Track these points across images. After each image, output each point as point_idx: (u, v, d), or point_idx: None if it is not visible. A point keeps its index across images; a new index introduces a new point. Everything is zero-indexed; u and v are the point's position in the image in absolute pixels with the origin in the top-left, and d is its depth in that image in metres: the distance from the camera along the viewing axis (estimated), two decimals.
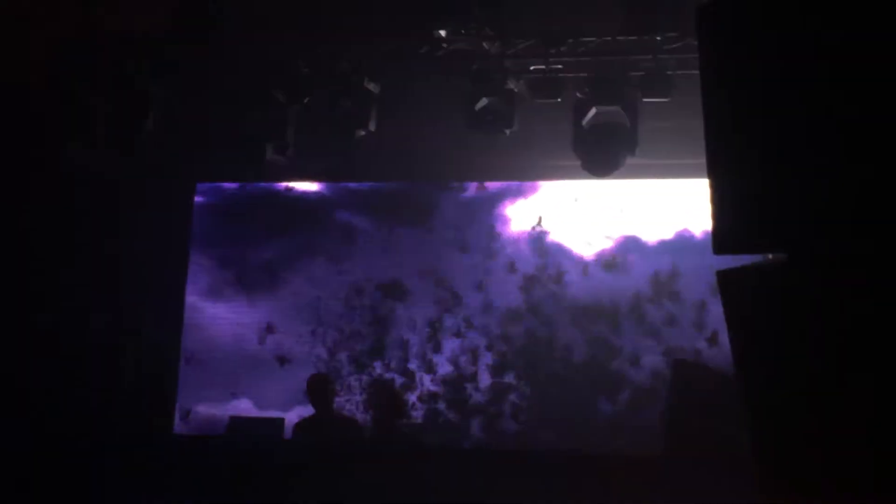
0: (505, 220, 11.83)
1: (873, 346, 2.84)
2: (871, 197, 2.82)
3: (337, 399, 10.65)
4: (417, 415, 11.39)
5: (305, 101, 10.69)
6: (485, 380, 11.48)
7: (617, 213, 11.53)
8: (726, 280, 3.14)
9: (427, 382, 11.57)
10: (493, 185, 11.91)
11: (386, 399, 9.16)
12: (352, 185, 12.29)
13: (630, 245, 11.49)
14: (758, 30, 3.09)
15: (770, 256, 3.13)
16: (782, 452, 3.04)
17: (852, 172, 2.86)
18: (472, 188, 11.97)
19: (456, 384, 11.51)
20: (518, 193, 11.87)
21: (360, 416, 10.89)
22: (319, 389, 9.36)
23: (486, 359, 11.56)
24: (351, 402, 11.48)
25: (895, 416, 2.75)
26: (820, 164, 2.93)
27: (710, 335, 10.94)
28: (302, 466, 8.21)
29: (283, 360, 11.86)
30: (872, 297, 2.85)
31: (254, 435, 9.23)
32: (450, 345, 11.66)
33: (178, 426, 11.64)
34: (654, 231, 11.43)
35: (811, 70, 2.94)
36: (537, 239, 11.70)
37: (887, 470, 2.77)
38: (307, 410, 9.80)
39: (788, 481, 3.01)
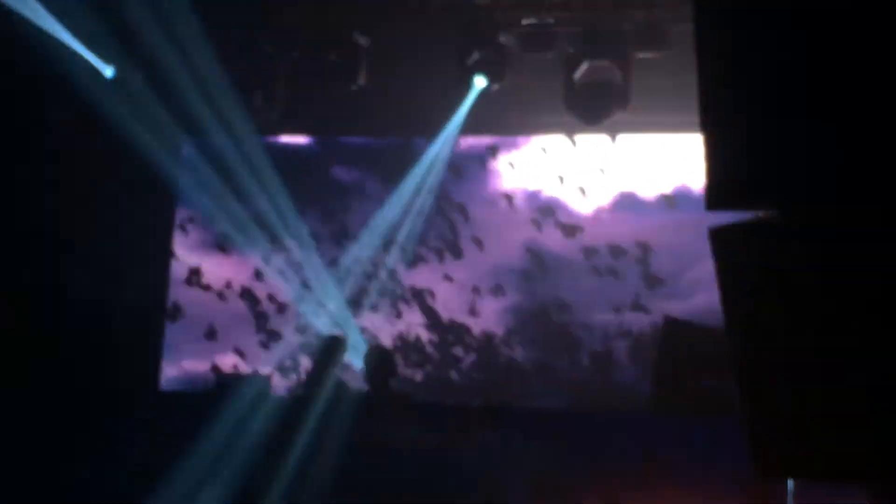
0: (497, 175, 11.79)
1: (864, 304, 2.82)
2: (865, 155, 2.79)
3: None
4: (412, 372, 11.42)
5: (294, 54, 10.59)
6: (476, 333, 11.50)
7: (606, 169, 11.48)
8: (718, 236, 3.12)
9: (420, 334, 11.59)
10: (484, 140, 11.84)
11: (378, 360, 9.17)
12: (342, 139, 12.20)
13: (623, 201, 11.46)
14: None
15: (762, 213, 3.10)
16: (771, 411, 3.02)
17: (848, 130, 2.83)
18: (464, 143, 11.91)
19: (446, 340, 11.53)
20: (509, 147, 11.82)
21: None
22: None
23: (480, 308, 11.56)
24: None
25: (886, 375, 2.74)
26: (815, 121, 2.90)
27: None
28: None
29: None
30: (864, 255, 2.83)
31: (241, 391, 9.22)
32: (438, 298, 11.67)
33: (164, 383, 11.63)
34: (647, 187, 11.39)
35: (808, 25, 2.90)
36: (531, 195, 11.66)
37: (878, 431, 2.76)
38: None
39: (778, 442, 2.99)
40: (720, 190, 3.09)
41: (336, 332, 10.28)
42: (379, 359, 9.09)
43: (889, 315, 2.77)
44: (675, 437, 8.08)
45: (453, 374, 11.48)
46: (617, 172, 11.45)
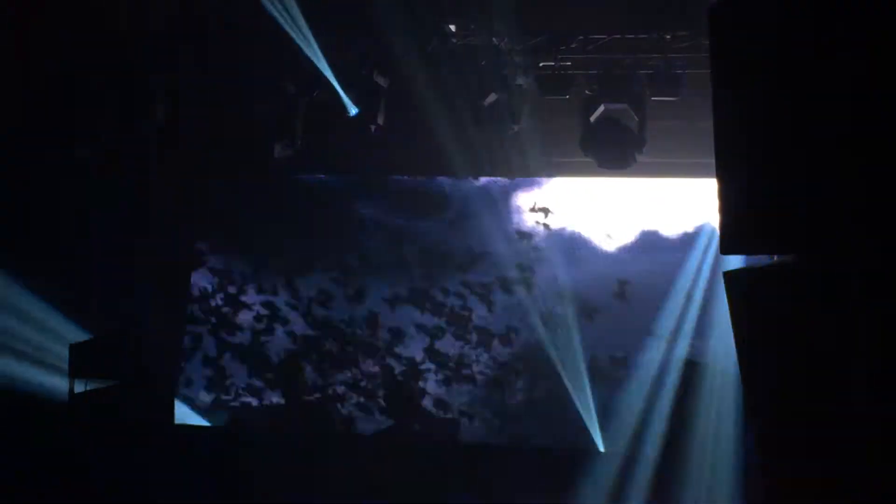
0: (510, 215, 11.83)
1: (875, 347, 2.86)
2: (876, 200, 2.84)
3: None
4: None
5: (315, 94, 10.69)
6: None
7: (621, 210, 11.52)
8: (732, 280, 3.17)
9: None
10: (500, 181, 11.88)
11: (403, 398, 9.25)
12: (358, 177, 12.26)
13: (642, 241, 11.49)
14: (769, 31, 3.11)
15: (776, 258, 3.15)
16: (784, 454, 3.07)
17: (859, 175, 2.88)
18: (481, 183, 11.96)
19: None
20: (525, 189, 11.85)
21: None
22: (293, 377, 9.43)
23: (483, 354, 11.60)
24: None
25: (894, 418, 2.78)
26: (828, 166, 2.95)
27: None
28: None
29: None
30: (876, 300, 2.87)
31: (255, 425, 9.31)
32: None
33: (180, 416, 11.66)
34: (664, 228, 11.41)
35: (821, 73, 2.96)
36: (540, 234, 11.70)
37: (886, 477, 2.79)
38: None
39: (787, 480, 3.03)
40: (734, 234, 3.15)
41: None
42: (404, 396, 9.16)
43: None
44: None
45: None
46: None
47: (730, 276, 3.18)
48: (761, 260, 3.22)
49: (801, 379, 3.06)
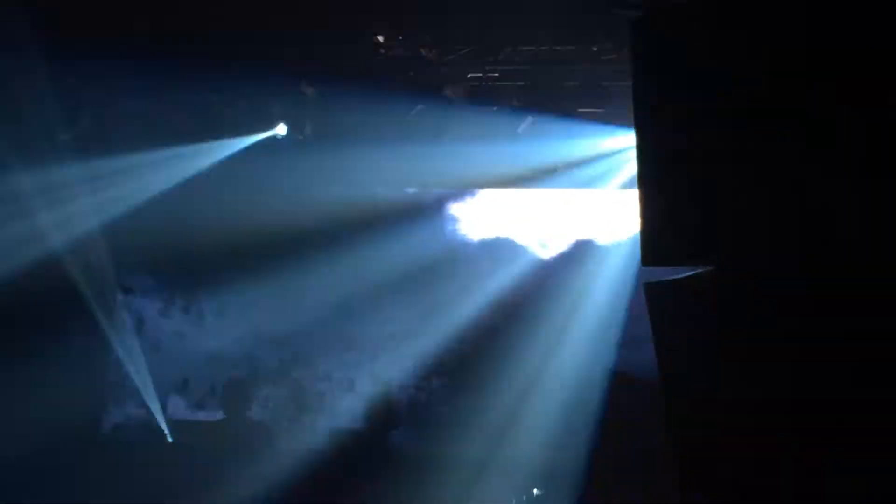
0: (444, 225, 11.85)
1: (794, 356, 2.89)
2: (792, 212, 2.87)
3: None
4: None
5: (242, 104, 10.64)
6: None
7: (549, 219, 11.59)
8: (653, 292, 3.18)
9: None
10: (433, 192, 11.91)
11: (382, 411, 9.23)
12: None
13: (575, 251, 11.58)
14: (690, 45, 3.13)
15: (696, 269, 3.17)
16: (700, 459, 3.09)
17: (775, 188, 2.91)
18: (412, 193, 11.97)
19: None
20: (457, 199, 11.88)
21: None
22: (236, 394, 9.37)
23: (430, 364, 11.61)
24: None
25: (812, 426, 2.81)
26: (745, 179, 2.98)
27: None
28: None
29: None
30: (794, 310, 2.91)
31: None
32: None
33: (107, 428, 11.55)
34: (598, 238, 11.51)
35: (739, 86, 2.99)
36: (479, 244, 11.74)
37: (801, 478, 2.82)
38: None
39: (707, 487, 3.05)
40: (654, 246, 3.17)
41: None
42: (383, 409, 9.13)
43: (817, 364, 2.84)
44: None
45: None
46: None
47: (650, 287, 3.19)
48: (683, 271, 3.23)
49: (721, 390, 3.08)
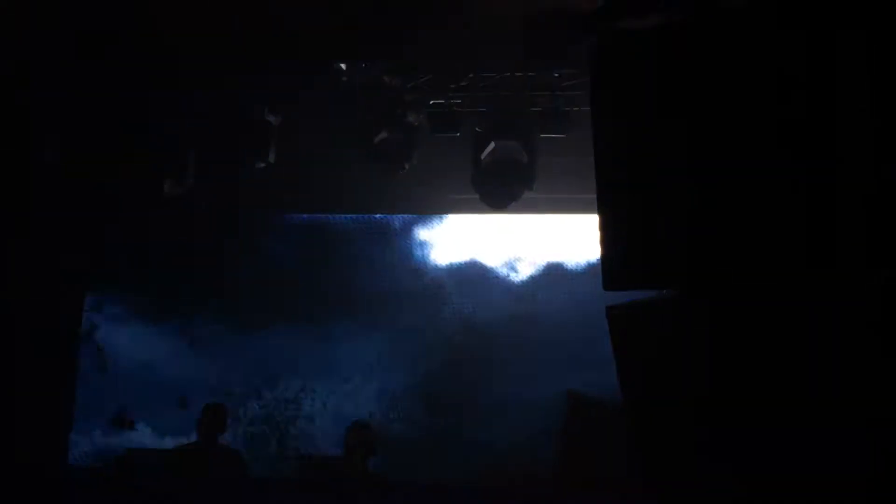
0: (412, 251, 11.88)
1: (755, 379, 2.91)
2: (755, 234, 2.90)
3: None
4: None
5: (206, 131, 10.62)
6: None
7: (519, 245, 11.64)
8: (615, 315, 3.20)
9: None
10: (395, 218, 11.95)
11: (361, 440, 9.20)
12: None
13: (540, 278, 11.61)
14: (647, 70, 3.16)
15: (657, 292, 3.19)
16: (666, 483, 3.10)
17: (737, 210, 2.94)
18: (376, 220, 12.01)
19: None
20: (425, 225, 11.91)
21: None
22: (211, 418, 9.31)
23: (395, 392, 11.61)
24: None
25: (772, 448, 2.83)
26: (706, 203, 3.00)
27: None
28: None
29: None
30: (757, 333, 2.92)
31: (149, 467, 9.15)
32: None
33: (74, 457, 11.45)
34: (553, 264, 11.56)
35: (698, 108, 3.02)
36: (447, 269, 11.76)
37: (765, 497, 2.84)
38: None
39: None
40: (615, 270, 3.19)
41: None
42: (359, 436, 9.12)
43: (777, 379, 2.86)
44: None
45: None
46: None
47: (612, 311, 3.21)
48: (645, 295, 3.25)
49: (684, 413, 3.10)
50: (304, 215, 12.14)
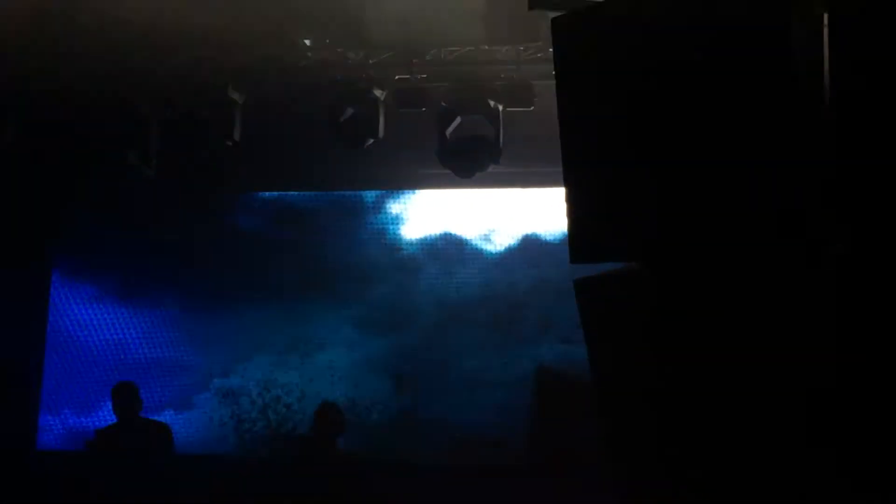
0: (385, 226, 11.86)
1: (721, 350, 2.92)
2: (717, 206, 2.90)
3: None
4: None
5: (168, 111, 10.56)
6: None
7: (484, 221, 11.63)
8: (582, 288, 3.21)
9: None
10: (366, 194, 11.91)
11: (330, 419, 9.21)
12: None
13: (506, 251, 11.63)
14: (608, 42, 3.16)
15: (623, 264, 3.20)
16: (632, 457, 3.11)
17: (704, 179, 2.94)
18: (346, 197, 11.98)
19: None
20: (395, 200, 11.90)
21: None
22: (122, 398, 9.30)
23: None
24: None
25: (741, 421, 2.84)
26: (669, 174, 3.01)
27: None
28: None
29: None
30: (720, 304, 2.94)
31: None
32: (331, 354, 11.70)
33: (42, 440, 11.40)
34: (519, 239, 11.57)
35: (658, 80, 3.02)
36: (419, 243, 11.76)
37: (732, 476, 2.85)
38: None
39: (638, 486, 3.08)
40: (582, 243, 3.19)
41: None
42: (328, 415, 9.13)
43: (739, 348, 2.87)
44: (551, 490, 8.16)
45: None
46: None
47: (579, 284, 3.21)
48: (611, 267, 3.26)
49: (653, 386, 3.11)
50: (273, 193, 12.09)
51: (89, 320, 11.96)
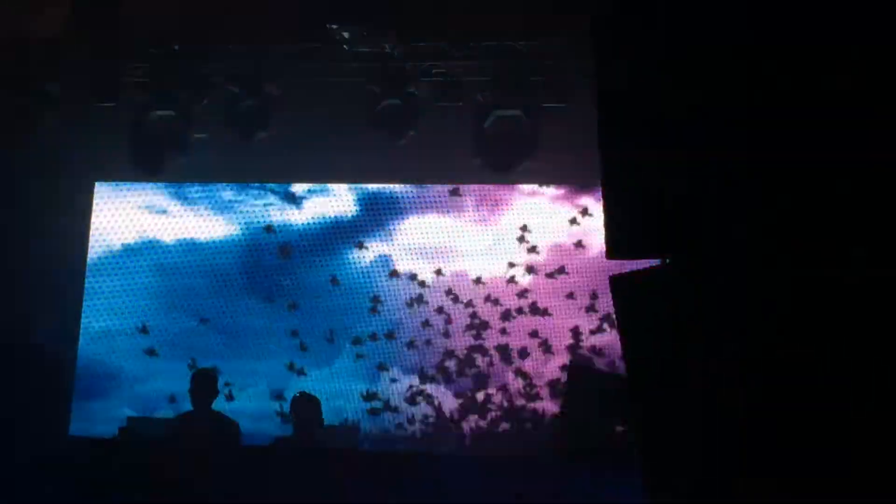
0: (412, 223, 11.87)
1: (759, 348, 2.89)
2: (758, 200, 2.87)
3: None
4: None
5: (204, 101, 10.59)
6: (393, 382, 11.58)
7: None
8: (618, 285, 3.18)
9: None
10: (396, 188, 11.91)
11: (310, 410, 9.19)
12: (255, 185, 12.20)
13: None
14: (649, 38, 3.13)
15: (661, 261, 3.17)
16: (668, 454, 3.09)
17: (740, 176, 2.92)
18: (374, 190, 11.98)
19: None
20: (423, 195, 11.90)
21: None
22: (200, 385, 9.28)
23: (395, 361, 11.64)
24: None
25: (779, 419, 2.81)
26: (708, 169, 2.98)
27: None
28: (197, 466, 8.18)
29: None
30: (761, 300, 2.91)
31: (149, 436, 9.16)
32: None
33: (75, 427, 11.46)
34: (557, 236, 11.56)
35: (700, 78, 2.99)
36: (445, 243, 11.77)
37: (766, 473, 2.82)
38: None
39: (673, 483, 3.05)
40: (619, 239, 3.17)
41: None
42: (306, 407, 9.12)
43: (787, 353, 2.84)
44: (581, 483, 8.12)
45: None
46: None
47: (616, 280, 3.18)
48: (648, 264, 3.23)
49: (689, 385, 3.08)
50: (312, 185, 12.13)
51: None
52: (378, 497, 8.04)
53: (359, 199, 11.99)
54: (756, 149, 2.86)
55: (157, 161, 10.69)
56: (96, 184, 12.09)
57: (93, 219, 12.01)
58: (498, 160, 10.17)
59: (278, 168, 11.61)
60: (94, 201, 12.05)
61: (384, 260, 11.81)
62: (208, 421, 9.16)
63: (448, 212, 11.80)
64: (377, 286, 11.76)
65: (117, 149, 10.90)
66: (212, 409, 9.23)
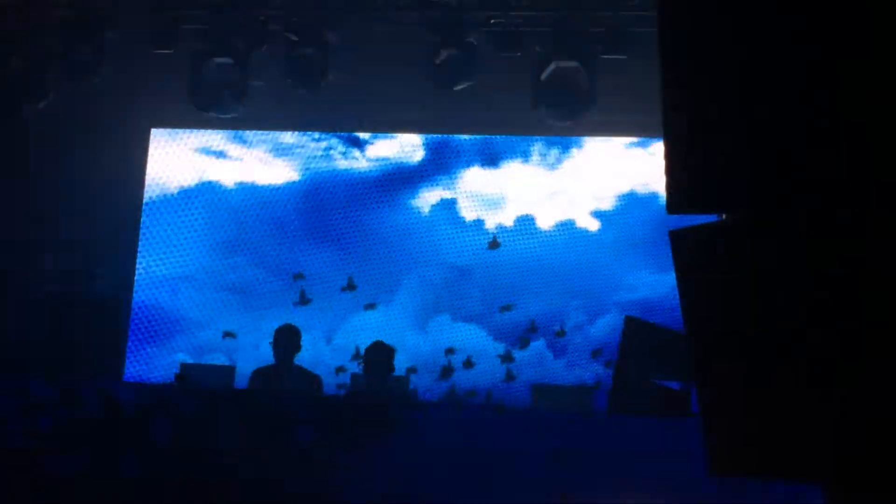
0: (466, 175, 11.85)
1: (821, 307, 2.87)
2: (823, 158, 2.84)
3: None
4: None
5: (264, 48, 10.60)
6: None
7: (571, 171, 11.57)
8: (678, 240, 3.15)
9: None
10: (455, 139, 11.88)
11: (383, 355, 9.22)
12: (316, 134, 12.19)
13: (587, 202, 11.56)
14: None
15: (722, 216, 3.14)
16: (729, 417, 3.07)
17: (806, 133, 2.88)
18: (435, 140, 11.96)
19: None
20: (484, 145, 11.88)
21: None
22: (285, 339, 9.30)
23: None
24: None
25: (837, 380, 2.79)
26: (775, 125, 2.94)
27: None
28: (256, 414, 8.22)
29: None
30: (822, 259, 2.88)
31: (205, 382, 9.22)
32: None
33: (129, 373, 11.58)
34: (611, 188, 11.50)
35: (772, 32, 2.95)
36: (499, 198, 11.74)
37: (838, 432, 2.80)
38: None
39: (735, 446, 3.04)
40: (680, 193, 3.13)
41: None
42: (379, 354, 9.16)
43: (849, 313, 2.81)
44: (634, 436, 8.12)
45: None
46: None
47: (676, 236, 3.15)
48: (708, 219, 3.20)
49: (747, 335, 3.06)
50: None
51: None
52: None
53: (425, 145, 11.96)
54: (819, 105, 2.82)
55: (215, 107, 10.71)
56: (152, 130, 12.13)
57: (148, 166, 12.05)
58: (556, 112, 10.11)
59: (337, 117, 11.61)
60: (150, 147, 12.09)
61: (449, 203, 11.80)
62: (293, 375, 9.21)
63: (510, 160, 11.75)
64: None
65: (175, 95, 10.92)
66: (294, 363, 9.28)
